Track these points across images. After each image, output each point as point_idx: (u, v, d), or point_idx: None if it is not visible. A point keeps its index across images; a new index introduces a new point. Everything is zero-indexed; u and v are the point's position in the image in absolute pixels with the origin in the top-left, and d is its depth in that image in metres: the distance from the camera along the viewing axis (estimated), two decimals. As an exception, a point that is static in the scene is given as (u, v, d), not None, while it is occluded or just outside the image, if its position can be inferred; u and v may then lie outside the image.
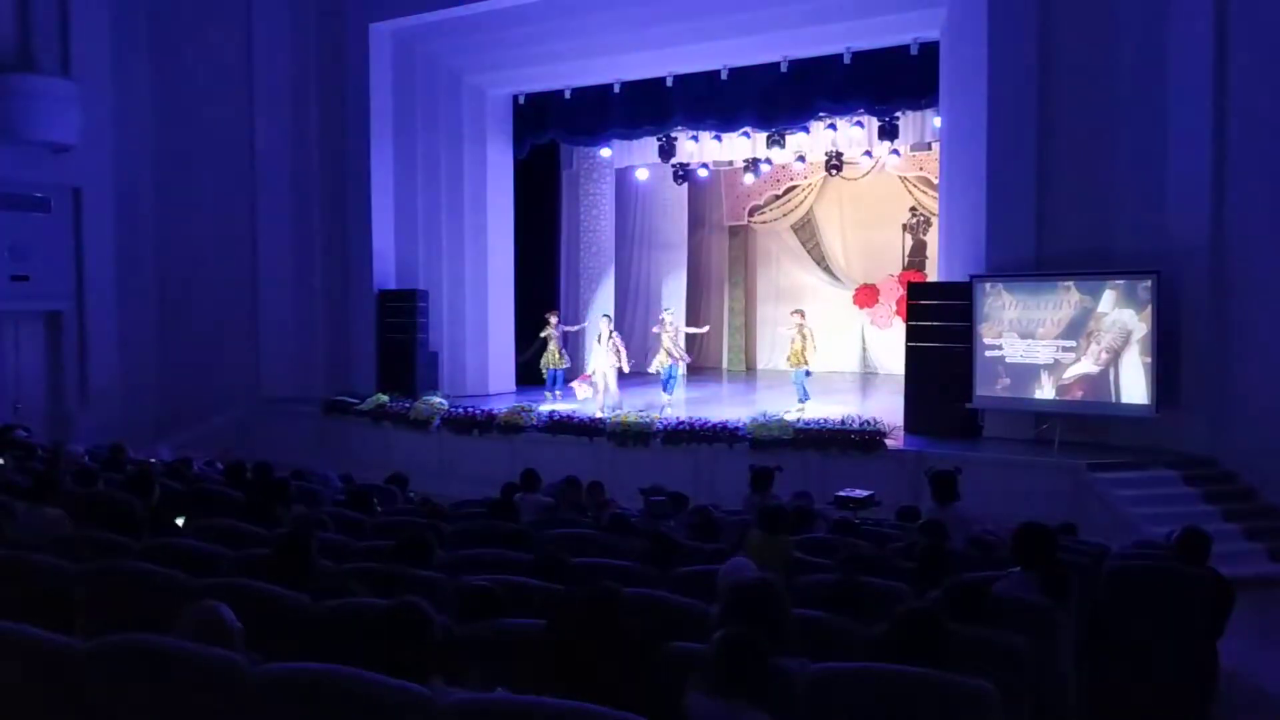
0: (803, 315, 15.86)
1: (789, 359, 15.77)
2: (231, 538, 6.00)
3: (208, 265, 17.87)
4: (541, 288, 20.07)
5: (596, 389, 16.06)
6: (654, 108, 17.24)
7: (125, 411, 16.92)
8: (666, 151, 18.76)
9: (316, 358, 17.90)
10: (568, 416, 14.35)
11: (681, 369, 17.52)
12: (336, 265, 17.79)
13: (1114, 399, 11.99)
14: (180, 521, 6.59)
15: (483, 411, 14.91)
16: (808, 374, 15.62)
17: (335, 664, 3.19)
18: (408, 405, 15.53)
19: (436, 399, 15.74)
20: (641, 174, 20.76)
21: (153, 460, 10.83)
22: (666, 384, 16.66)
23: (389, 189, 17.55)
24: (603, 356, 16.02)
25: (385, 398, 15.93)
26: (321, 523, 6.62)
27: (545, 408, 15.34)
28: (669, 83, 16.71)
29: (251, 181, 17.80)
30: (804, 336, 15.46)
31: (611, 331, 16.27)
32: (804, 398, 15.24)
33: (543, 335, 17.45)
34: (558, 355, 17.21)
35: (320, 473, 10.32)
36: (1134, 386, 11.82)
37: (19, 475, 8.31)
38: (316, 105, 17.83)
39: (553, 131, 18.76)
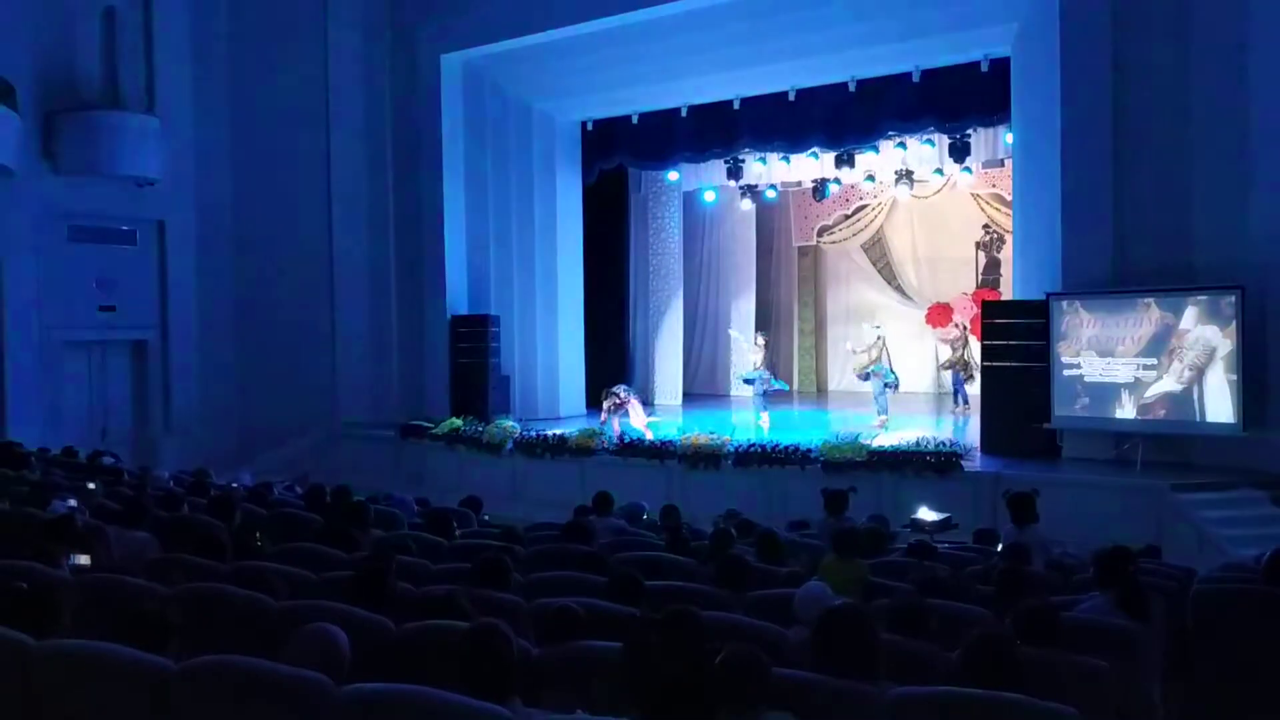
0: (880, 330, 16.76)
1: (862, 368, 16.74)
2: (313, 561, 6.12)
3: (285, 293, 18.30)
4: (611, 311, 20.21)
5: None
6: (721, 130, 17.31)
7: (207, 437, 17.36)
8: (734, 173, 18.78)
9: (391, 383, 18.20)
10: (638, 439, 14.38)
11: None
12: (410, 291, 18.10)
13: (1198, 418, 11.68)
14: (259, 542, 6.73)
15: (554, 435, 15.02)
16: (887, 387, 16.22)
17: (418, 685, 3.25)
18: (481, 429, 15.70)
19: (509, 422, 15.90)
20: (709, 196, 20.81)
21: (234, 485, 11.09)
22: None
23: (460, 216, 17.83)
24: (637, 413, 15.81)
25: (459, 421, 16.13)
26: (400, 546, 6.73)
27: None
28: (736, 105, 16.75)
29: (327, 211, 18.23)
30: (883, 349, 16.25)
31: (626, 396, 15.91)
32: (884, 410, 15.75)
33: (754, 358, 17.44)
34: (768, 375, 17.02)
35: (397, 496, 10.48)
36: (1219, 405, 11.50)
37: (109, 500, 8.56)
38: (390, 135, 18.22)
39: (620, 156, 18.91)
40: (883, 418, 15.81)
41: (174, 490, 9.73)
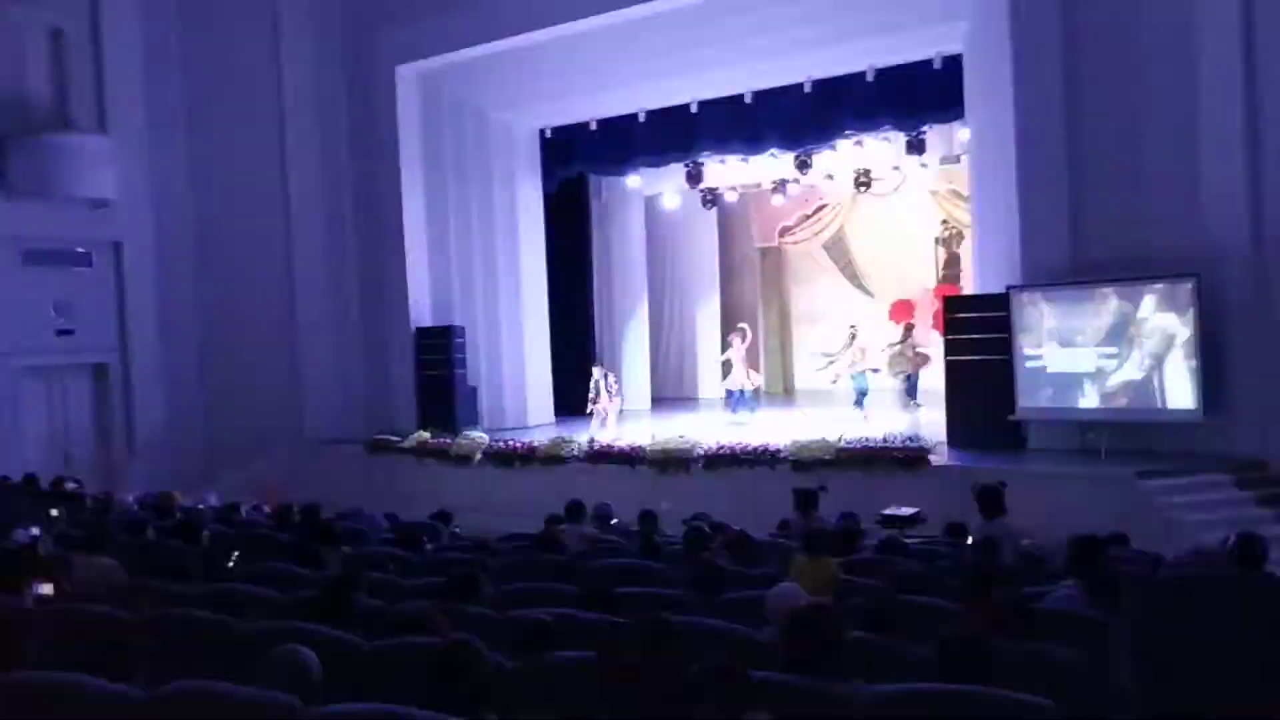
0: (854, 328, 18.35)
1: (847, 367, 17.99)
2: (281, 581, 6.06)
3: (247, 312, 18.13)
4: (576, 318, 20.21)
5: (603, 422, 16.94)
6: (680, 134, 17.35)
7: (172, 459, 17.15)
8: (694, 177, 18.86)
9: (357, 398, 18.07)
10: (608, 446, 14.36)
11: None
12: (373, 305, 18.00)
13: (1160, 405, 11.83)
14: (231, 563, 6.66)
15: (523, 444, 14.97)
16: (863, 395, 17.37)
17: (390, 704, 3.21)
18: (449, 441, 15.62)
19: (477, 433, 15.84)
20: (670, 201, 20.84)
21: (201, 506, 10.96)
22: (738, 405, 17.68)
23: (421, 227, 17.75)
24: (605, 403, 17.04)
25: (427, 434, 16.05)
26: (370, 562, 6.67)
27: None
28: (694, 109, 16.79)
29: (287, 227, 18.08)
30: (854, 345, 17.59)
31: (605, 375, 17.44)
32: (860, 403, 16.95)
33: (724, 357, 18.23)
34: (744, 375, 17.89)
35: (365, 512, 10.40)
36: (1180, 391, 11.65)
37: (72, 527, 8.43)
38: (347, 149, 18.10)
39: (580, 163, 18.94)
40: (863, 412, 16.90)
41: (138, 514, 9.61)
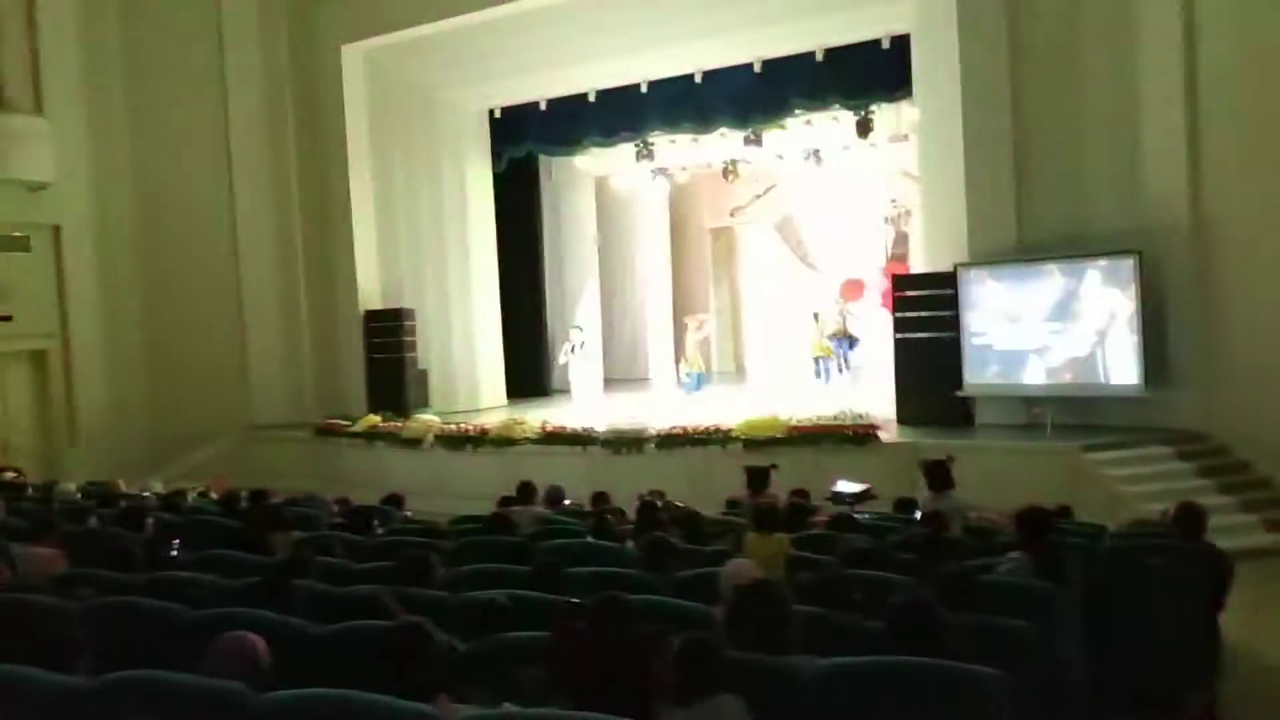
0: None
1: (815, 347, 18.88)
2: (229, 567, 5.98)
3: (192, 296, 17.81)
4: (528, 299, 20.10)
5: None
6: (630, 114, 17.29)
7: (117, 446, 16.83)
8: (645, 157, 18.79)
9: (306, 382, 17.86)
10: (560, 427, 14.32)
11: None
12: (321, 288, 17.76)
13: (1104, 379, 12.05)
14: (174, 551, 6.57)
15: (476, 426, 14.89)
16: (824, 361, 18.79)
17: (341, 688, 3.18)
18: (400, 424, 15.50)
19: (428, 416, 15.72)
20: (621, 181, 20.77)
21: (146, 493, 10.78)
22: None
23: (369, 209, 17.54)
24: (579, 366, 17.13)
25: (377, 418, 15.90)
26: (319, 547, 6.60)
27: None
28: (643, 88, 16.73)
29: (231, 210, 17.75)
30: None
31: (583, 342, 17.40)
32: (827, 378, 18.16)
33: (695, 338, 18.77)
34: (698, 359, 18.39)
35: (315, 496, 10.28)
36: (1123, 366, 11.87)
37: (13, 516, 8.25)
38: (293, 130, 17.79)
39: (530, 143, 18.80)
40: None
41: (81, 502, 9.43)
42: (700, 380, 18.45)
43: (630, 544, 6.65)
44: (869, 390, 16.83)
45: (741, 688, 3.33)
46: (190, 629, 4.39)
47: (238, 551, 6.53)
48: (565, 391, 20.05)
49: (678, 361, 19.67)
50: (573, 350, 17.41)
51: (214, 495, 10.81)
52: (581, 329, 18.32)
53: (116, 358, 17.64)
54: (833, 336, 19.81)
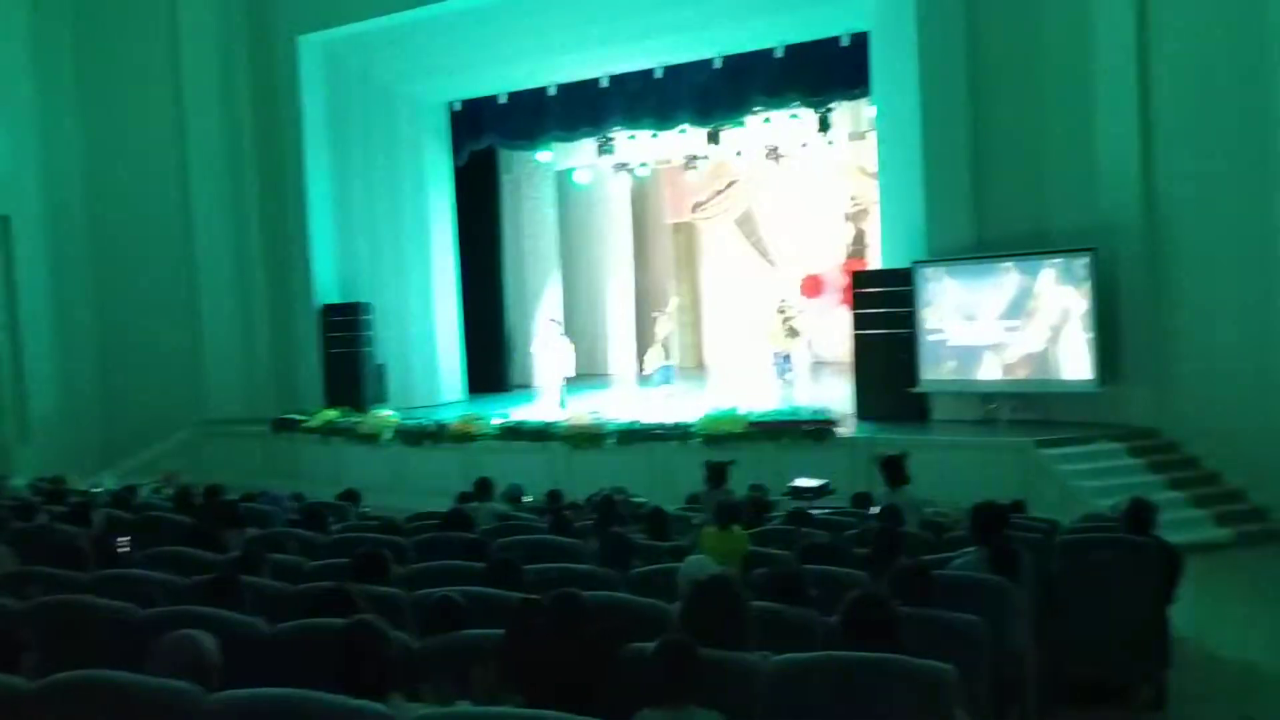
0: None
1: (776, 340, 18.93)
2: (181, 564, 5.89)
3: (146, 289, 17.56)
4: (487, 294, 19.99)
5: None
6: (591, 109, 17.25)
7: (68, 441, 16.57)
8: (605, 152, 18.76)
9: (262, 377, 17.66)
10: (519, 423, 14.27)
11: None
12: (278, 282, 17.56)
13: (1058, 376, 12.20)
14: (124, 547, 6.46)
15: (434, 422, 14.80)
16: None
17: (292, 688, 3.14)
18: (357, 419, 15.36)
19: (386, 411, 15.60)
20: (582, 175, 20.73)
21: (97, 489, 10.62)
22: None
23: (327, 203, 17.35)
24: (552, 359, 16.90)
25: (334, 413, 15.75)
26: (274, 544, 6.53)
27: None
28: (604, 83, 16.72)
29: (186, 203, 17.53)
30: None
31: (561, 334, 17.34)
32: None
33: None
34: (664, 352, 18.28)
35: (271, 493, 10.18)
36: (1076, 362, 12.02)
37: (-41, 514, 8.09)
38: (249, 122, 17.58)
39: (490, 137, 18.69)
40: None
41: (30, 499, 9.27)
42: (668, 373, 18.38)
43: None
44: (818, 388, 17.06)
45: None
46: (140, 628, 4.32)
47: (191, 548, 6.43)
48: (526, 386, 20.06)
49: (641, 355, 19.73)
50: (548, 343, 17.39)
51: (167, 491, 10.66)
52: (558, 322, 18.30)
53: (68, 352, 17.36)
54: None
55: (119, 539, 6.35)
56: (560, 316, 21.34)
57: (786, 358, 19.27)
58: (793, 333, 19.66)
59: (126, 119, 17.52)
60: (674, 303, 19.69)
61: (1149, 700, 6.12)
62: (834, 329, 21.27)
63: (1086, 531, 6.84)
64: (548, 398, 16.73)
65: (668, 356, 18.12)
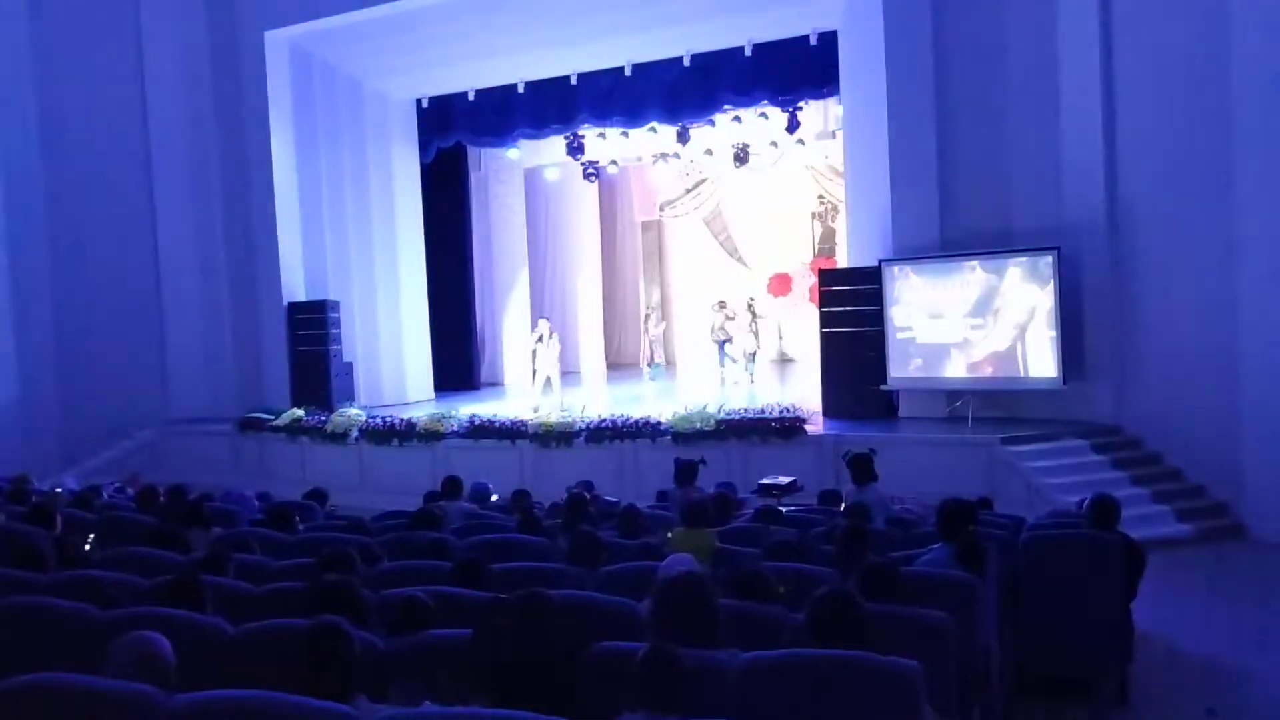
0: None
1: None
2: (144, 566, 5.82)
3: (108, 287, 17.31)
4: (455, 292, 19.92)
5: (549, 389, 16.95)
6: (560, 106, 17.22)
7: (27, 441, 16.31)
8: (575, 149, 18.73)
9: (227, 375, 17.48)
10: (489, 421, 14.22)
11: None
12: (243, 280, 17.37)
13: (1023, 373, 12.31)
14: (88, 546, 6.38)
15: (402, 420, 14.71)
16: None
17: (256, 689, 3.11)
18: (324, 418, 15.25)
19: (353, 410, 15.48)
20: (551, 174, 20.71)
21: (59, 489, 10.47)
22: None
23: (293, 200, 17.17)
24: (547, 357, 17.03)
25: (300, 412, 15.62)
26: (239, 544, 6.47)
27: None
28: (573, 80, 16.69)
29: (150, 200, 17.31)
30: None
31: (552, 331, 17.28)
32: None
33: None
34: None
35: (236, 492, 10.08)
36: (1041, 360, 12.13)
37: (-84, 515, 7.95)
38: (213, 119, 17.37)
39: (458, 134, 18.60)
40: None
41: (-11, 500, 9.11)
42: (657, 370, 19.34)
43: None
44: (786, 385, 17.14)
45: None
46: (101, 630, 4.26)
47: (154, 549, 6.36)
48: (495, 384, 20.03)
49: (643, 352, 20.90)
50: (540, 340, 17.28)
51: (130, 491, 10.53)
52: (549, 319, 18.22)
53: (26, 348, 17.08)
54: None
55: (86, 539, 6.27)
56: (529, 315, 21.35)
57: (723, 344, 19.36)
58: (724, 332, 19.71)
59: (87, 115, 17.26)
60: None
61: (1112, 695, 6.19)
62: (801, 327, 21.39)
63: (1051, 528, 6.90)
64: (540, 396, 16.68)
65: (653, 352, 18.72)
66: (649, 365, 20.92)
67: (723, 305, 19.82)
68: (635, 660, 3.27)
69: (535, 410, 14.38)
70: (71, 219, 17.34)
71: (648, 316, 21.48)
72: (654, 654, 3.30)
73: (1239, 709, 6.21)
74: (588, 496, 8.03)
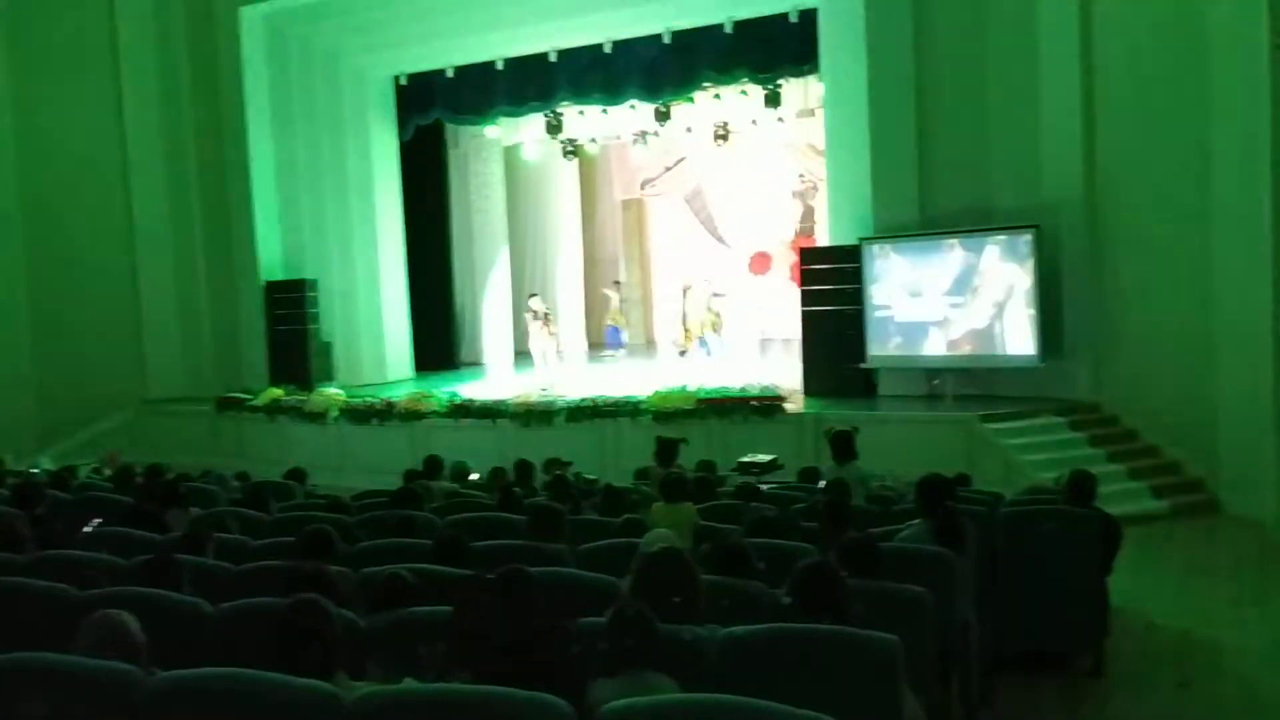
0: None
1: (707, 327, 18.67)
2: (123, 545, 5.79)
3: (84, 269, 17.17)
4: (435, 270, 19.81)
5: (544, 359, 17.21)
6: (539, 83, 17.09)
7: (3, 422, 16.16)
8: (554, 128, 18.63)
9: (205, 355, 17.39)
10: (469, 401, 14.19)
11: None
12: (220, 259, 17.26)
13: (1001, 351, 12.37)
14: (90, 528, 6.35)
15: (382, 400, 14.66)
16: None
17: (236, 668, 3.10)
18: (303, 398, 15.18)
19: (332, 390, 15.44)
20: (530, 151, 20.58)
21: (34, 470, 10.41)
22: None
23: (271, 178, 17.05)
24: (541, 334, 17.21)
25: (279, 391, 15.54)
26: (217, 523, 6.44)
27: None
28: (552, 57, 16.56)
29: (125, 179, 17.15)
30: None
31: (545, 311, 17.43)
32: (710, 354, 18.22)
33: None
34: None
35: (214, 472, 10.04)
36: (1020, 338, 12.20)
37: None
38: (189, 96, 17.21)
39: (437, 111, 18.45)
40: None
41: (-36, 481, 9.05)
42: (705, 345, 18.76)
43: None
44: (766, 364, 17.14)
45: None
46: (78, 609, 4.23)
47: (133, 529, 6.32)
48: (476, 364, 19.96)
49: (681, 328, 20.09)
50: (535, 319, 17.24)
51: (107, 472, 10.48)
52: (539, 296, 18.14)
53: (3, 331, 16.91)
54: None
55: (91, 520, 6.27)
56: (509, 293, 21.26)
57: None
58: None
59: (62, 93, 17.05)
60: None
61: (1088, 668, 6.26)
62: (783, 305, 21.38)
63: (1029, 504, 6.96)
64: (543, 373, 16.72)
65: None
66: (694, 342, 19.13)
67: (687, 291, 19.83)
68: (605, 623, 3.30)
69: (544, 390, 14.24)
70: (46, 201, 17.16)
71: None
72: (620, 614, 3.31)
73: (1212, 681, 6.29)
74: (569, 478, 8.04)
